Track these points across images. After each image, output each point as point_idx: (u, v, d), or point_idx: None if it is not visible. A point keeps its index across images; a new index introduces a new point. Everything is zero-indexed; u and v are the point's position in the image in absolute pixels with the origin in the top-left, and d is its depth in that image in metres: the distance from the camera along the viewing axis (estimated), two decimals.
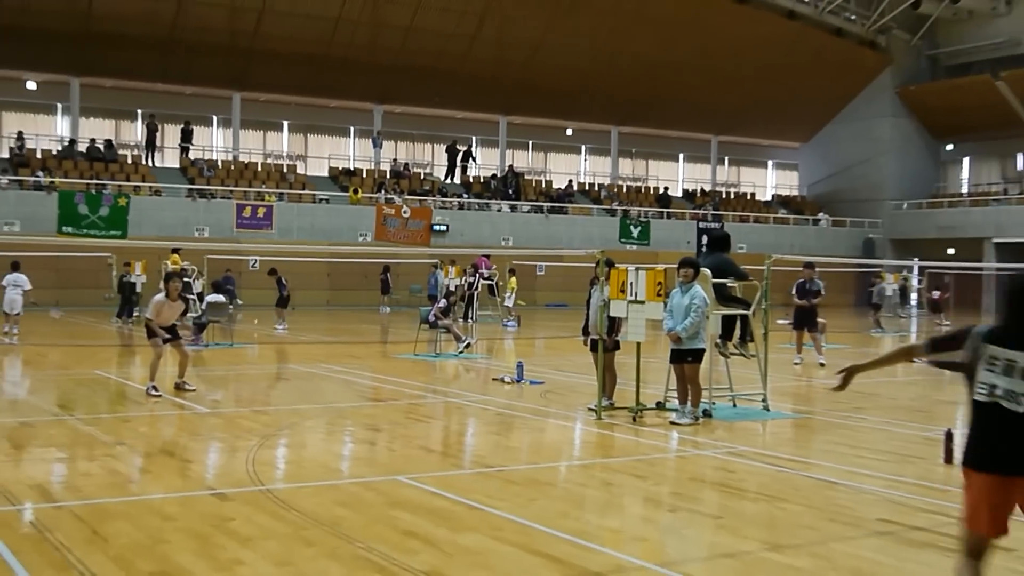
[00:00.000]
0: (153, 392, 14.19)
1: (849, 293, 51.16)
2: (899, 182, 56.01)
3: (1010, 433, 4.97)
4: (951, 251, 51.43)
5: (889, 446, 11.29)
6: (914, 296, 41.58)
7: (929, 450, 10.83)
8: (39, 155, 41.22)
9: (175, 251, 29.67)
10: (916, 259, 41.47)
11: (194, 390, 14.62)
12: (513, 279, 34.47)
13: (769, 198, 60.35)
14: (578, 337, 14.74)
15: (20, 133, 41.70)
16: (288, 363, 19.52)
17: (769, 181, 62.91)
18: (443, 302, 21.90)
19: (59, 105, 44.18)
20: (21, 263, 25.63)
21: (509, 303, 34.07)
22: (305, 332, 27.72)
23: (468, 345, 21.19)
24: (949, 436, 10.26)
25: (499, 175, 50.32)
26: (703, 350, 12.45)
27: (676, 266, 12.63)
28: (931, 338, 5.49)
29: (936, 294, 37.04)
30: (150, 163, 43.44)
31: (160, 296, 14.88)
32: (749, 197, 59.02)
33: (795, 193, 61.45)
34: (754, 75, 51.39)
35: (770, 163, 62.90)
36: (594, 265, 13.55)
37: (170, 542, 6.86)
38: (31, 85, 43.10)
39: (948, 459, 10.11)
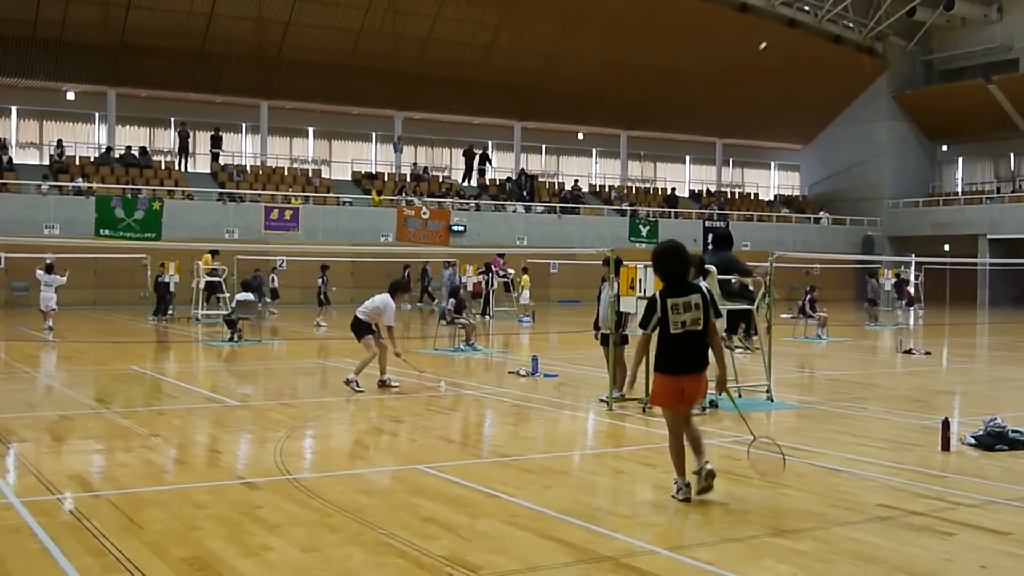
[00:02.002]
0: (391, 384, 14.57)
1: (849, 288, 51.01)
2: (896, 182, 55.79)
3: (694, 346, 7.67)
4: (947, 247, 51.22)
5: (888, 434, 11.21)
6: (911, 290, 41.38)
7: (927, 438, 10.75)
8: (78, 162, 41.37)
9: (214, 253, 29.64)
10: (913, 255, 41.24)
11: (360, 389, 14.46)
12: (525, 276, 34.39)
13: (772, 198, 60.17)
14: (590, 332, 14.68)
15: (60, 141, 41.88)
16: (314, 358, 19.53)
17: (772, 181, 62.73)
18: (451, 301, 21.84)
19: (96, 114, 44.34)
20: (55, 264, 25.86)
21: (525, 300, 34.01)
22: (330, 328, 27.74)
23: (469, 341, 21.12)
24: (946, 424, 10.18)
25: (514, 178, 50.28)
26: None
27: None
28: (642, 320, 7.86)
29: (911, 288, 36.79)
30: (183, 168, 43.55)
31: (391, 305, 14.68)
32: (753, 197, 58.88)
33: (797, 193, 61.25)
34: (757, 81, 51.23)
35: (773, 164, 62.71)
36: (602, 263, 13.48)
37: (202, 529, 6.86)
38: (70, 95, 43.26)
39: (945, 447, 10.04)
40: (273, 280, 34.03)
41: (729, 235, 14.50)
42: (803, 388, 15.85)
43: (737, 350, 13.95)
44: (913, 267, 39.81)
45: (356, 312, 14.77)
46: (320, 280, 29.36)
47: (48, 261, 25.80)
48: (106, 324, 29.16)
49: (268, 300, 32.98)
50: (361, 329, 14.69)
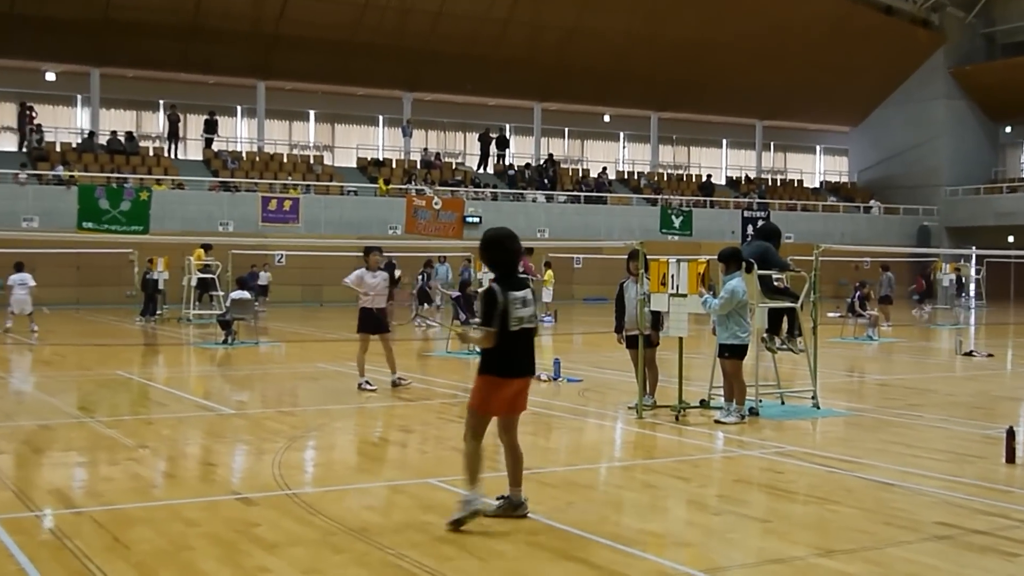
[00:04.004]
0: (367, 387, 14.91)
1: (903, 284, 50.65)
2: (955, 167, 55.50)
3: (527, 346, 7.65)
4: (1011, 238, 50.88)
5: (947, 445, 11.16)
6: (972, 287, 41.17)
7: (989, 449, 10.69)
8: (58, 148, 41.61)
9: (206, 247, 29.71)
10: (974, 247, 41.04)
11: (408, 384, 15.19)
12: (549, 272, 34.21)
13: (817, 185, 60.00)
14: (614, 335, 14.57)
15: (39, 126, 42.09)
16: (316, 362, 19.57)
17: (817, 167, 62.54)
18: (457, 294, 21.79)
19: (79, 96, 44.58)
20: (25, 263, 26.10)
21: (547, 298, 33.86)
22: (334, 330, 27.79)
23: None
24: (1011, 434, 10.12)
25: (534, 164, 50.27)
26: (740, 346, 12.28)
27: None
28: (486, 317, 7.51)
29: (922, 282, 36.43)
30: (173, 155, 43.74)
31: (360, 270, 15.32)
32: (796, 184, 58.72)
33: (845, 179, 61.06)
34: (801, 56, 51.02)
35: (818, 148, 62.52)
36: (627, 257, 13.39)
37: (194, 549, 6.87)
38: (50, 76, 43.49)
39: (1010, 458, 9.97)
40: (258, 276, 34.05)
41: (776, 230, 14.31)
42: (852, 394, 15.78)
43: (780, 351, 13.90)
44: (973, 260, 39.63)
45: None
46: (421, 276, 29.87)
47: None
48: (90, 325, 29.29)
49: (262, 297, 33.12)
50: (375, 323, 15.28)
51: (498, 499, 7.78)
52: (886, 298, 29.38)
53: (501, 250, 7.69)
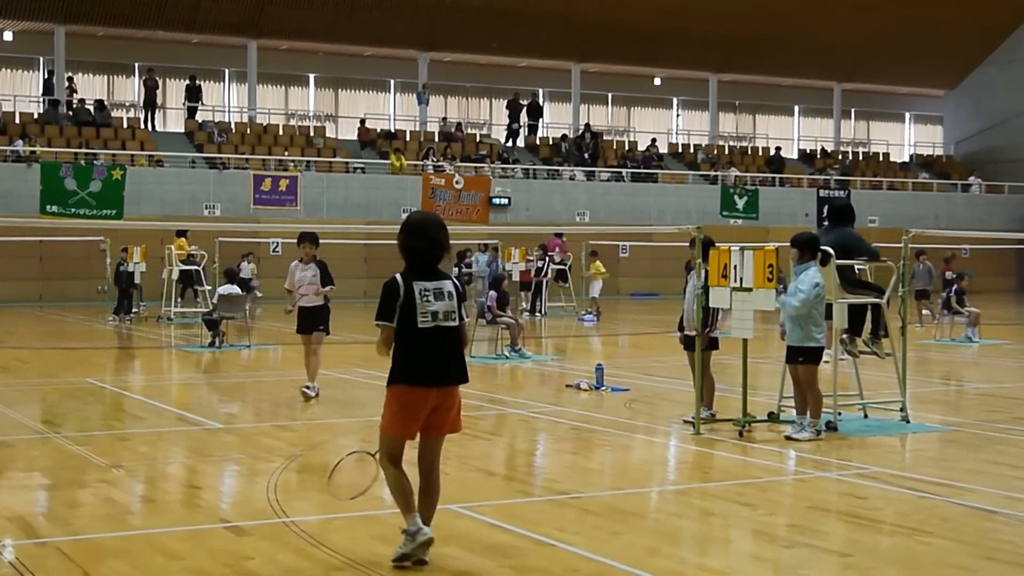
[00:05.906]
0: (306, 391, 15.13)
1: (1009, 276, 50.39)
2: None
3: (445, 347, 7.44)
4: None
5: None
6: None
7: None
8: (17, 119, 41.80)
9: (182, 234, 29.85)
10: None
11: (314, 396, 15.19)
12: (597, 263, 33.97)
13: (907, 159, 59.66)
14: (671, 333, 14.60)
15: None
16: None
17: (907, 138, 62.20)
18: (491, 294, 21.77)
19: (41, 59, 44.78)
20: None
21: (595, 293, 33.70)
22: (337, 330, 27.83)
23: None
24: None
25: (572, 136, 50.20)
26: (816, 350, 12.20)
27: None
28: (380, 311, 7.40)
29: None
30: (150, 127, 43.90)
31: (292, 263, 15.65)
32: (882, 158, 58.38)
33: (939, 152, 60.69)
34: (887, 7, 50.66)
35: (907, 116, 62.18)
36: (688, 245, 13.37)
37: None
38: (7, 35, 43.71)
39: None
40: (241, 269, 34.08)
41: (849, 207, 14.30)
42: (948, 406, 15.70)
43: (863, 355, 13.84)
44: None
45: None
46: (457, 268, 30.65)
47: None
48: (55, 325, 29.46)
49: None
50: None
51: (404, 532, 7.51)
52: (923, 292, 29.16)
53: (424, 239, 7.48)
